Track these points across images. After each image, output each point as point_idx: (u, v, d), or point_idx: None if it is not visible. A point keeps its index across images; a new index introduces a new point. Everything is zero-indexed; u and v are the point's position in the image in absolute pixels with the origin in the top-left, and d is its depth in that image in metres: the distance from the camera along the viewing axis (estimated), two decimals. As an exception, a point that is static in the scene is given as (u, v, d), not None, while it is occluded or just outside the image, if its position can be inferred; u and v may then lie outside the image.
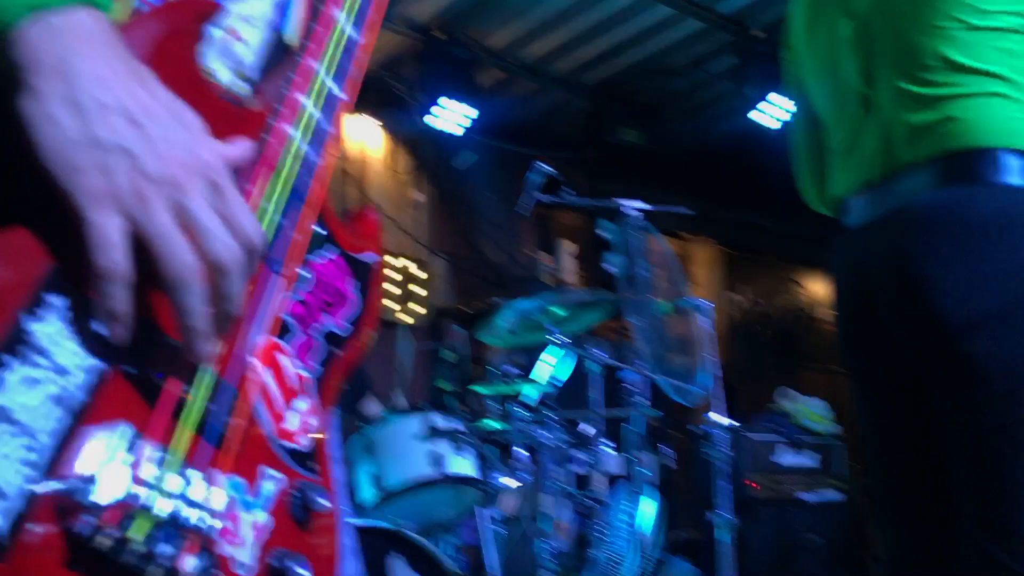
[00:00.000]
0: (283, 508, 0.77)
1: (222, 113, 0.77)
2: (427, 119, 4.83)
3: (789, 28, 1.65)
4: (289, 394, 0.81)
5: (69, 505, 0.59)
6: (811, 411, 4.29)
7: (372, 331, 0.94)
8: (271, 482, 0.77)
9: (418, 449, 2.77)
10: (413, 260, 5.17)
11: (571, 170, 5.32)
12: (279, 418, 0.80)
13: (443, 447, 2.80)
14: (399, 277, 5.09)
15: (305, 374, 0.84)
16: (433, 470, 2.75)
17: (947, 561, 1.44)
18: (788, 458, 4.10)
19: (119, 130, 0.60)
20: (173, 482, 0.64)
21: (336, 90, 0.87)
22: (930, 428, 1.41)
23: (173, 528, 0.64)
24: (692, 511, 4.43)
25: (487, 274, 5.40)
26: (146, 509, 0.62)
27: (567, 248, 5.31)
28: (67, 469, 0.60)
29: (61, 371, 0.61)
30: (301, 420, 0.82)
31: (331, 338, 0.88)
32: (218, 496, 0.68)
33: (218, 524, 0.68)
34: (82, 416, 0.61)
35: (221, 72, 0.86)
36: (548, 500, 3.23)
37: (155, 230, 0.61)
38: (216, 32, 0.83)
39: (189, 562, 0.64)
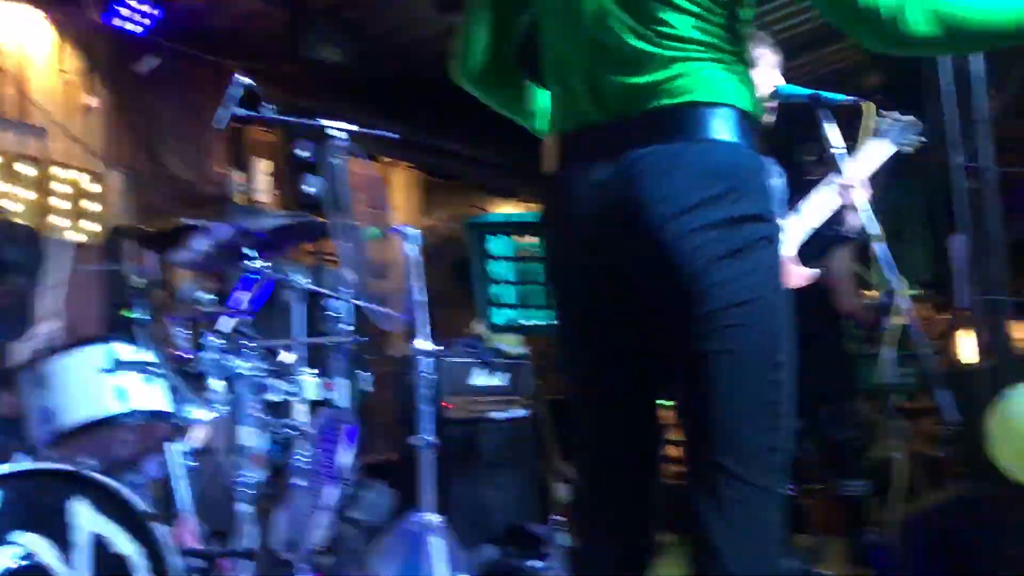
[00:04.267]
0: None
1: None
2: (103, 15, 4.33)
3: None
4: None
5: None
6: (503, 335, 4.48)
7: None
8: None
9: (101, 382, 2.54)
10: (85, 172, 4.66)
11: (267, 84, 5.03)
12: None
13: (129, 379, 2.59)
14: (69, 190, 4.57)
15: None
16: (118, 405, 2.53)
17: (641, 487, 1.57)
18: (482, 379, 4.26)
19: None
20: None
21: None
22: (637, 365, 1.53)
23: None
24: (390, 435, 4.50)
25: (172, 191, 5.01)
26: None
27: (261, 167, 5.07)
28: None
29: None
30: None
31: None
32: None
33: None
34: None
35: None
36: (245, 431, 3.11)
37: None
38: None
39: None
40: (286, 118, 3.45)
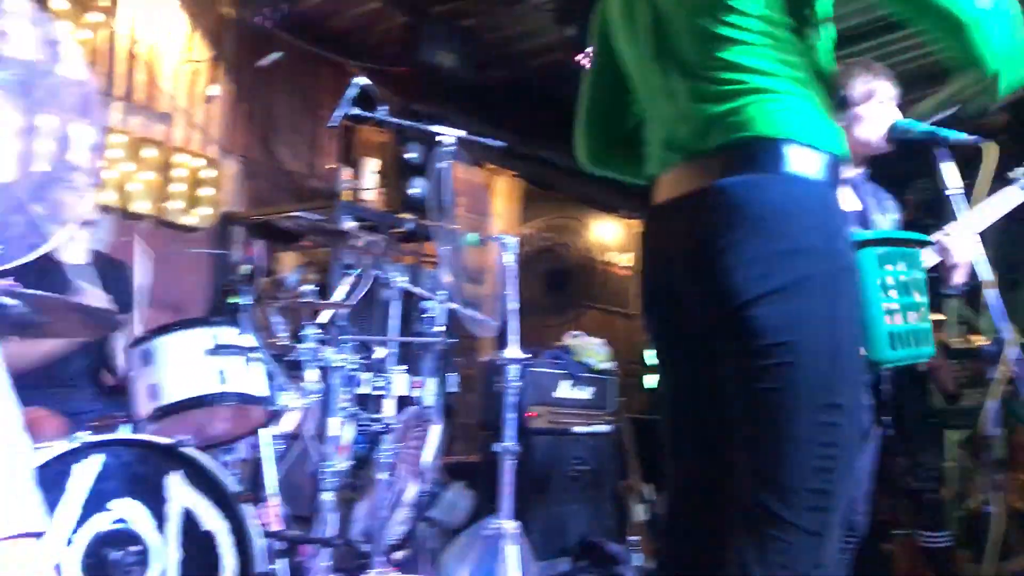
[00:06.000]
0: None
1: None
2: (234, 7, 4.52)
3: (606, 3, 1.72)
4: None
5: None
6: (591, 349, 4.48)
7: None
8: None
9: (203, 363, 2.64)
10: (202, 158, 4.85)
11: (381, 85, 5.15)
12: None
13: (229, 362, 2.69)
14: (186, 175, 4.77)
15: None
16: (217, 385, 2.63)
17: (721, 513, 1.57)
18: (568, 391, 4.27)
19: None
20: None
21: None
22: (714, 392, 1.53)
23: None
24: (473, 437, 4.55)
25: (283, 182, 5.18)
26: None
27: (370, 166, 5.18)
28: None
29: None
30: None
31: None
32: None
33: None
34: None
35: None
36: (334, 421, 3.19)
37: None
38: None
39: None
40: (398, 120, 3.53)
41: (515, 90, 5.85)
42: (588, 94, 1.79)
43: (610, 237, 7.05)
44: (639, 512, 4.53)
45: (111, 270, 3.44)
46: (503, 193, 6.63)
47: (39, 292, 2.45)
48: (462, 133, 3.15)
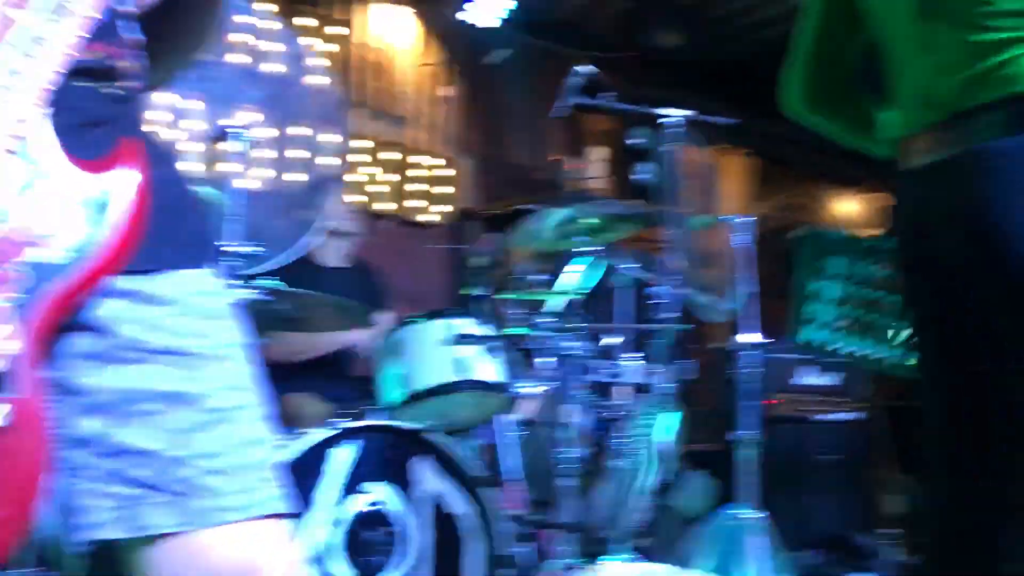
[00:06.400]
0: None
1: None
2: (463, 10, 4.69)
3: None
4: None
5: None
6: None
7: (120, 256, 0.86)
8: None
9: (445, 353, 2.75)
10: (439, 158, 5.07)
11: (605, 72, 5.15)
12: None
13: (470, 352, 2.78)
14: (424, 175, 5.00)
15: (4, 304, 0.81)
16: (459, 375, 2.73)
17: (998, 509, 1.43)
18: (810, 377, 4.08)
19: None
20: None
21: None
22: (991, 375, 1.39)
23: None
24: (711, 426, 4.46)
25: (513, 176, 5.30)
26: None
27: (597, 154, 5.19)
28: None
29: None
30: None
31: (42, 269, 0.83)
32: None
33: None
34: None
35: None
36: (570, 409, 3.23)
37: None
38: None
39: None
40: (621, 106, 3.51)
41: (742, 66, 5.65)
42: (812, 32, 1.65)
43: (852, 212, 6.67)
44: (894, 505, 4.25)
45: (365, 272, 3.67)
46: (734, 173, 6.44)
47: (299, 290, 2.66)
48: (688, 113, 3.08)
